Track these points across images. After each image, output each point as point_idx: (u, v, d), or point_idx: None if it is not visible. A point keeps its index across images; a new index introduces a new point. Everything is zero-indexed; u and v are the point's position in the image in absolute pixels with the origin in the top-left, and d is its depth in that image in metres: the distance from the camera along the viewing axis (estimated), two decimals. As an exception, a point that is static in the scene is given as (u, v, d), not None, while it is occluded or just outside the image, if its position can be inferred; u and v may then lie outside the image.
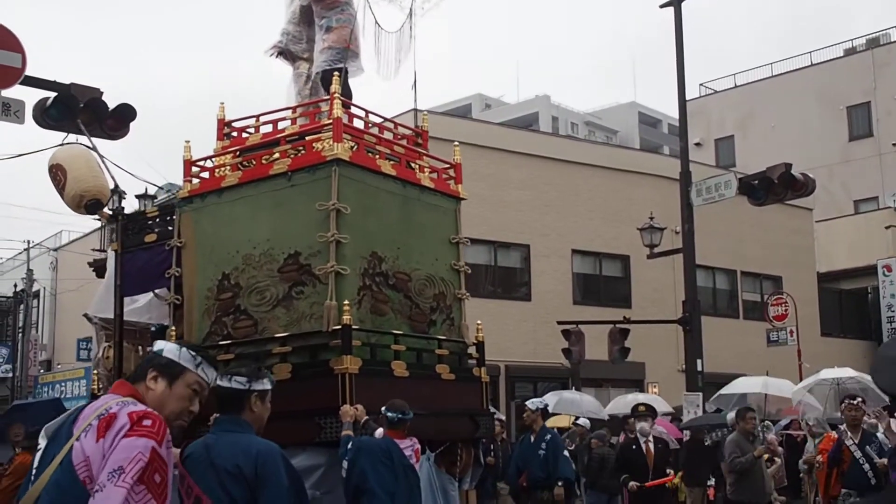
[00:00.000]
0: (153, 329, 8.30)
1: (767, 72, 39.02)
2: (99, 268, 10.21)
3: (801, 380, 17.33)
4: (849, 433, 8.88)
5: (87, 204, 8.45)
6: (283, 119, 7.88)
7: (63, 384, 29.38)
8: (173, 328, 7.71)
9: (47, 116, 10.07)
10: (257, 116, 8.05)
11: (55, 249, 37.62)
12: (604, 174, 24.35)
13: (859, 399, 9.27)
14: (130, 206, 27.81)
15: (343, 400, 6.68)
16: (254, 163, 7.63)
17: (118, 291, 8.27)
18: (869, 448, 8.66)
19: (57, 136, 9.88)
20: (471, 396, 7.92)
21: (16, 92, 10.09)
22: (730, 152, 37.50)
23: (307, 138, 7.42)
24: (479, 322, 8.30)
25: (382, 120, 8.18)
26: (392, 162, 7.70)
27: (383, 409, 6.56)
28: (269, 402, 4.18)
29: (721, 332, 23.69)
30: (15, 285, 36.47)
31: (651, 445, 11.37)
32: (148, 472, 2.89)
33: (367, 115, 7.90)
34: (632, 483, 11.14)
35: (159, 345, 3.45)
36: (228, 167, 7.78)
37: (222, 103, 8.13)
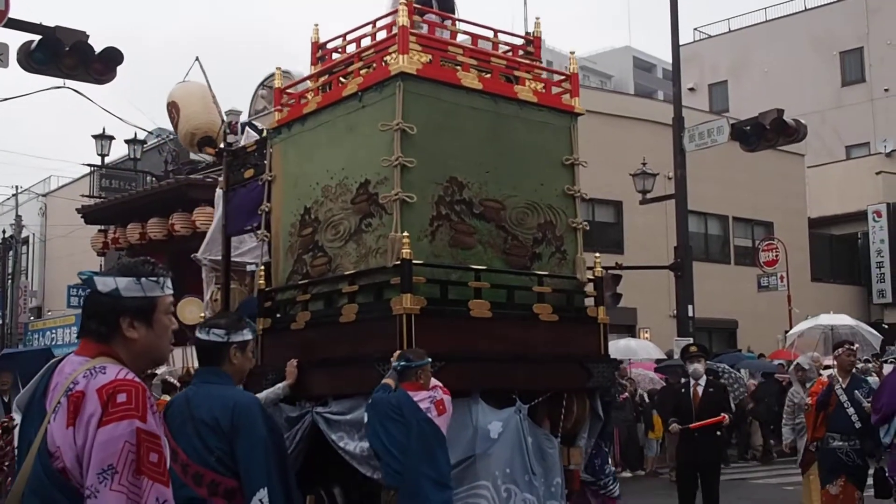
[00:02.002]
0: (249, 271, 7.94)
1: (761, 16, 38.78)
2: (88, 214, 9.94)
3: (790, 324, 17.98)
4: (839, 378, 8.85)
5: (199, 141, 8.21)
6: (366, 36, 7.13)
7: (54, 331, 28.40)
8: (261, 267, 7.29)
9: (32, 60, 9.80)
10: (344, 35, 7.35)
11: (44, 195, 36.77)
12: (597, 120, 22.50)
13: (857, 345, 9.53)
14: (120, 150, 26.83)
15: (402, 345, 5.92)
16: (331, 86, 6.97)
17: (224, 231, 7.97)
18: (858, 393, 8.64)
19: (44, 81, 9.65)
20: (582, 340, 6.88)
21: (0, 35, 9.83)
22: (723, 98, 37.17)
23: (378, 53, 6.64)
24: (597, 255, 7.20)
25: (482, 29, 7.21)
26: (482, 74, 6.74)
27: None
28: (250, 353, 4.07)
29: (712, 278, 23.90)
30: (3, 231, 35.81)
31: (700, 388, 10.11)
32: (142, 458, 2.54)
33: (453, 24, 6.97)
34: (673, 425, 10.10)
35: (100, 282, 2.79)
36: (312, 92, 7.18)
37: (316, 25, 7.49)
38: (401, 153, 6.19)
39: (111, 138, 23.65)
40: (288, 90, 7.46)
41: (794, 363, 11.63)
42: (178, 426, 3.80)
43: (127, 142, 24.10)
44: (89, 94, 20.92)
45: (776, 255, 22.79)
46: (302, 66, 7.50)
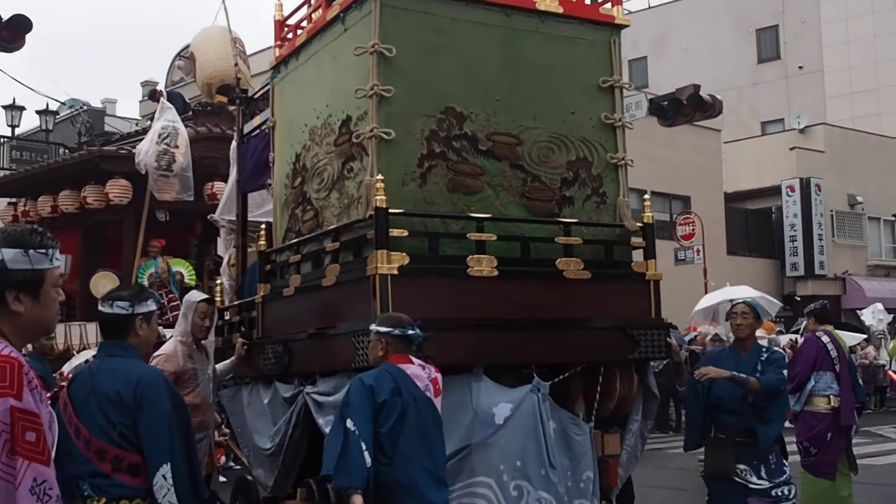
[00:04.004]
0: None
1: (682, -7, 38.65)
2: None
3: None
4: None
5: (217, 90, 7.40)
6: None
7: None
8: (263, 225, 6.41)
9: (-64, 26, 9.06)
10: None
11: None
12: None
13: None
14: (32, 121, 25.44)
15: (378, 311, 4.87)
16: (320, 11, 5.94)
17: (238, 187, 7.13)
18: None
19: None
20: (625, 301, 5.61)
21: None
22: (643, 73, 37.03)
23: (359, -36, 5.55)
24: (646, 197, 5.89)
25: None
26: (491, -18, 5.54)
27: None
28: (155, 323, 3.95)
29: (630, 251, 22.23)
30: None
31: None
32: (16, 438, 2.45)
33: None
34: None
35: None
36: (306, 21, 6.19)
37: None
38: (377, 81, 5.11)
39: (22, 109, 23.10)
40: (287, 22, 6.49)
41: (713, 333, 11.67)
42: (81, 401, 3.71)
43: (39, 112, 23.44)
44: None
45: (693, 229, 22.88)
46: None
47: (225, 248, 7.61)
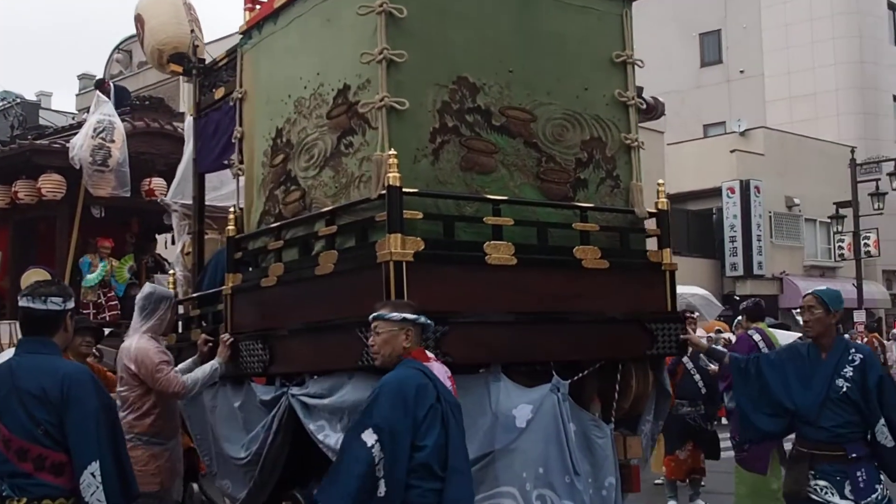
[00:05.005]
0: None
1: (628, -4, 38.81)
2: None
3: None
4: None
5: (169, 58, 6.68)
6: None
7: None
8: (234, 209, 5.75)
9: None
10: None
11: None
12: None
13: (697, 313, 10.58)
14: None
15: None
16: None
17: (195, 167, 6.44)
18: (704, 358, 8.70)
19: None
20: (642, 293, 5.19)
21: None
22: None
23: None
24: (660, 182, 5.49)
25: None
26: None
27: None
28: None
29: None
30: None
31: None
32: None
33: None
34: None
35: None
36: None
37: None
38: (386, 45, 4.55)
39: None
40: (260, -17, 5.84)
41: None
42: (1, 400, 3.61)
43: (-30, 106, 22.39)
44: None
45: (636, 230, 23.00)
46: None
47: (178, 235, 6.90)
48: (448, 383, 3.88)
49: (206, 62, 6.67)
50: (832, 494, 4.90)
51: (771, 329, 9.32)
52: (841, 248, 28.53)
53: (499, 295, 4.63)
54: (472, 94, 4.82)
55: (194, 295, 6.27)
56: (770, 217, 28.30)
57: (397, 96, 4.54)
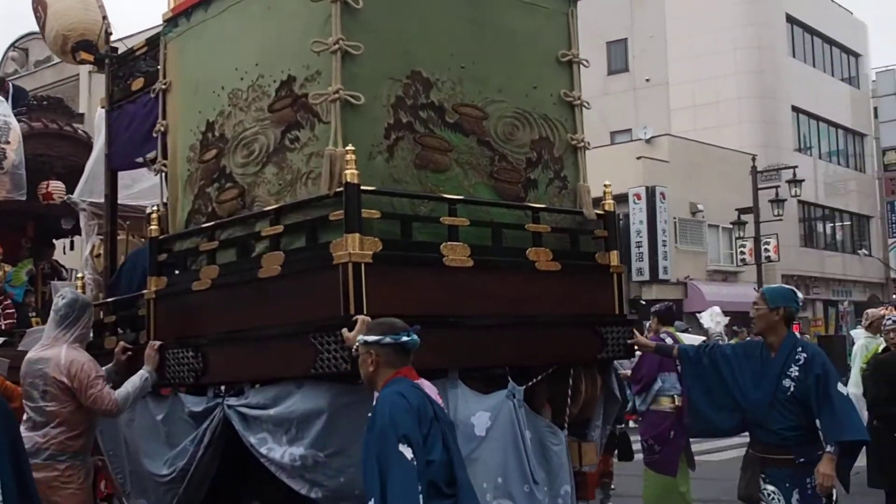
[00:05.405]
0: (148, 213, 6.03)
1: (536, 5, 40.50)
2: None
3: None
4: None
5: (74, 46, 6.22)
6: None
7: None
8: (155, 207, 5.37)
9: None
10: None
11: None
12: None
13: None
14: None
15: (349, 306, 4.07)
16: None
17: (108, 163, 6.02)
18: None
19: None
20: (592, 296, 5.10)
21: None
22: None
23: None
24: (606, 183, 5.42)
25: None
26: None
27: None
28: None
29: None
30: None
31: None
32: None
33: None
34: None
35: None
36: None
37: None
38: (341, 35, 4.30)
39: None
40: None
41: None
42: None
43: None
44: None
45: (546, 235, 23.56)
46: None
47: (87, 236, 6.43)
48: (438, 401, 3.67)
49: (119, 52, 6.24)
50: (779, 502, 4.82)
51: (679, 333, 9.45)
52: (743, 253, 29.21)
53: (456, 298, 4.45)
54: (426, 89, 4.62)
55: (108, 300, 5.85)
56: (675, 223, 28.67)
57: (351, 89, 4.30)
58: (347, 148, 4.16)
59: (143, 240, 6.34)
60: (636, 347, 5.35)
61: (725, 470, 11.93)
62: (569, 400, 4.90)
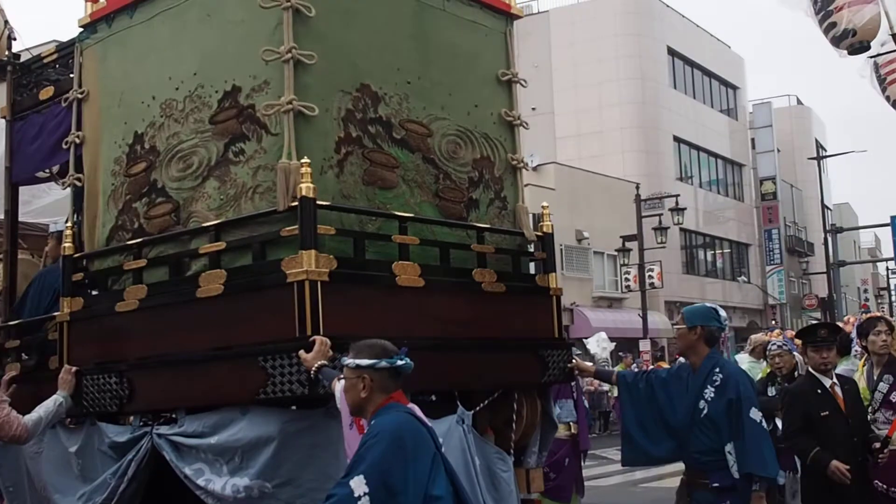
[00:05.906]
0: (51, 231, 5.63)
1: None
2: None
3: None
4: None
5: (-30, 53, 5.79)
6: None
7: None
8: (69, 224, 5.01)
9: None
10: None
11: None
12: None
13: None
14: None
15: (304, 327, 3.87)
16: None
17: (8, 177, 5.60)
18: None
19: None
20: (533, 319, 5.03)
21: None
22: None
23: None
24: (544, 204, 5.39)
25: None
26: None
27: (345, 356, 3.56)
28: None
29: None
30: None
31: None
32: None
33: None
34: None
35: None
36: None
37: None
38: (293, 43, 4.12)
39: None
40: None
41: None
42: None
43: None
44: None
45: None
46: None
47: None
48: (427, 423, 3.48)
49: (22, 58, 5.84)
50: None
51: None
52: (627, 279, 29.53)
53: (407, 319, 4.29)
54: (375, 103, 4.48)
55: (11, 323, 5.40)
56: (561, 250, 28.19)
57: (303, 100, 4.12)
58: (303, 161, 3.97)
59: (43, 259, 5.89)
60: (576, 371, 5.27)
61: (613, 495, 12.12)
62: (513, 425, 4.81)
